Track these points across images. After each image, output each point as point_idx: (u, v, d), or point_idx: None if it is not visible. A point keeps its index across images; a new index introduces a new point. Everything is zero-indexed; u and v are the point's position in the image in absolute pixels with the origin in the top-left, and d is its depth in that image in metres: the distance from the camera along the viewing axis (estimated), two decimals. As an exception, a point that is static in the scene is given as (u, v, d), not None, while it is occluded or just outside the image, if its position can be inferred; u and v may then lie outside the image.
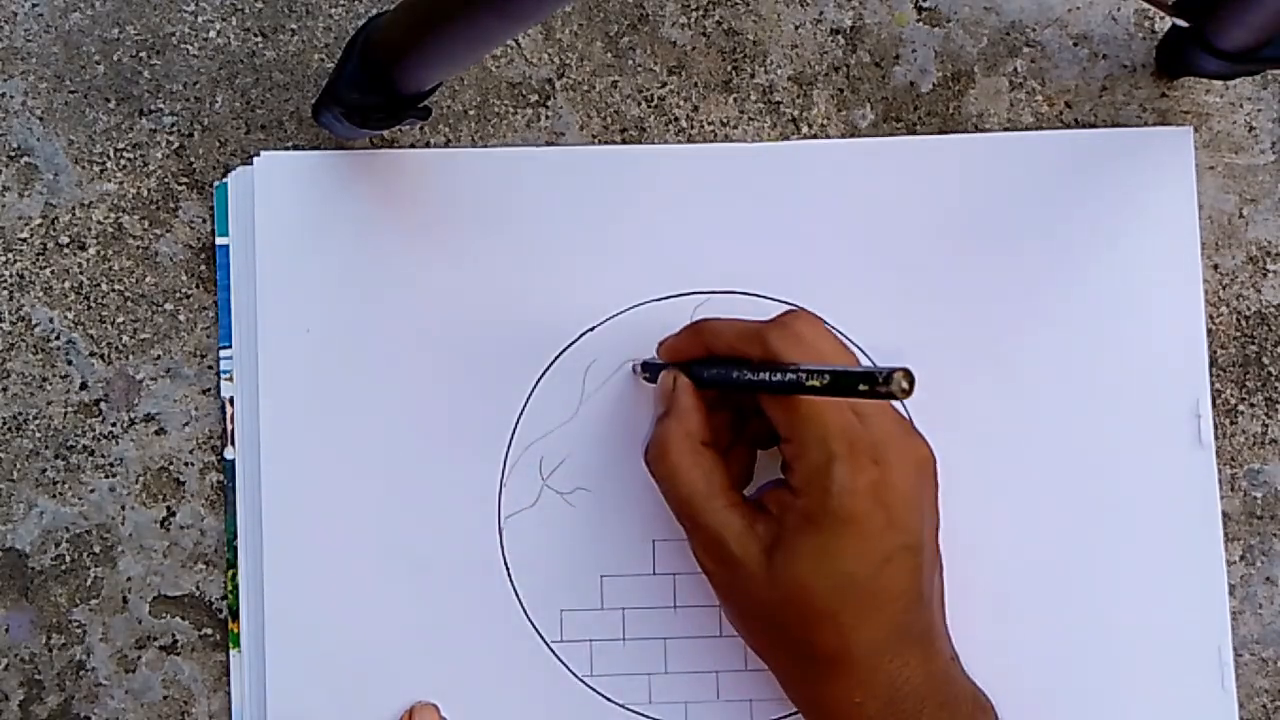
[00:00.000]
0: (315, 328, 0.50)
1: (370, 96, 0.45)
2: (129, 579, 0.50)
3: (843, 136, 0.52)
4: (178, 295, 0.51)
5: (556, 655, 0.50)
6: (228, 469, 0.50)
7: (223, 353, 0.51)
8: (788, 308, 0.49)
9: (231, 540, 0.50)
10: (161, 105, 0.51)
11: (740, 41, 0.52)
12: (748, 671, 0.50)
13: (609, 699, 0.50)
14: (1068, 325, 0.51)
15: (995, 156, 0.51)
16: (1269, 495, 0.52)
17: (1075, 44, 0.52)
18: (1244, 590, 0.51)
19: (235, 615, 0.50)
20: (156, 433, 0.51)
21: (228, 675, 0.50)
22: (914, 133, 0.52)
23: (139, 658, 0.50)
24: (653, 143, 0.52)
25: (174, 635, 0.50)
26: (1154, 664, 0.50)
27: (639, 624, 0.50)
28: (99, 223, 0.51)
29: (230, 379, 0.50)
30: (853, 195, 0.51)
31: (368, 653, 0.49)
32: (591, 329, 0.50)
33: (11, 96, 0.51)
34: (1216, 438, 0.51)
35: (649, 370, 0.49)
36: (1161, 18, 0.52)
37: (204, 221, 0.51)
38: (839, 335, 0.50)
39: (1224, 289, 0.52)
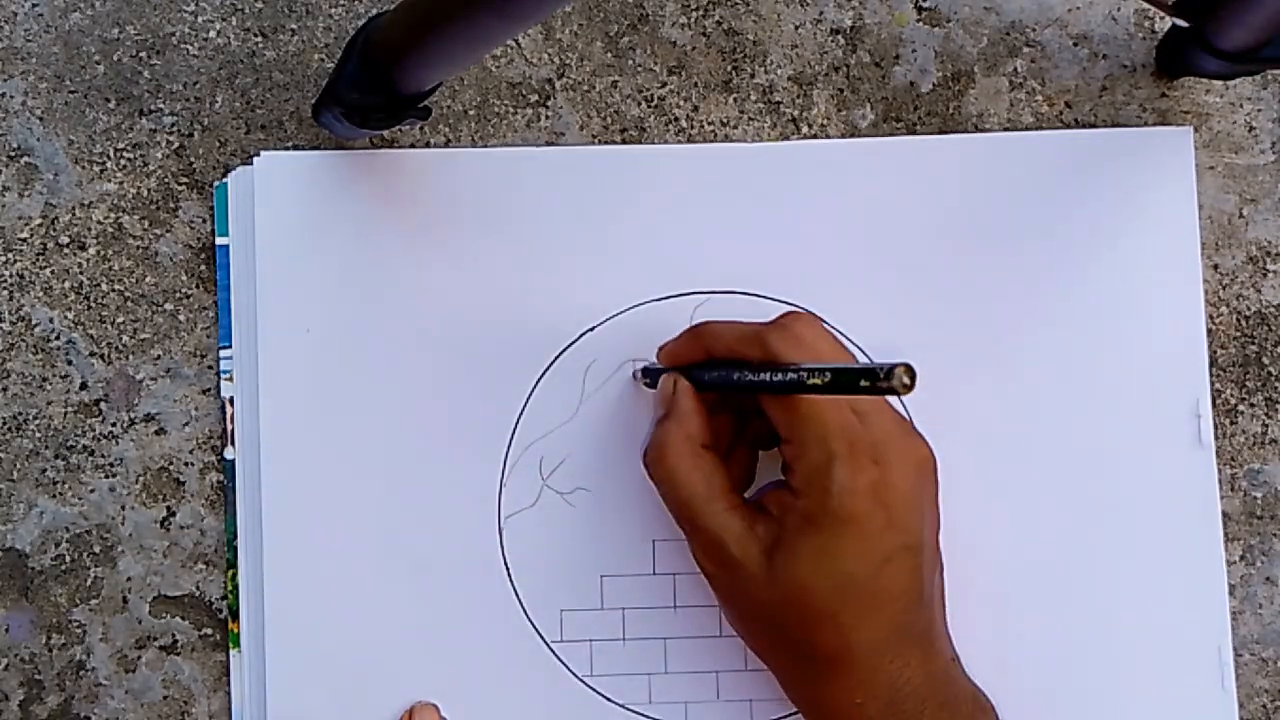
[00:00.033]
0: (315, 328, 0.50)
1: (370, 96, 0.45)
2: (129, 579, 0.50)
3: (843, 136, 0.52)
4: (178, 295, 0.51)
5: (556, 655, 0.50)
6: (228, 469, 0.50)
7: (223, 353, 0.51)
8: (787, 309, 0.49)
9: (231, 540, 0.50)
10: (161, 105, 0.51)
11: (740, 41, 0.52)
12: (748, 671, 0.50)
13: (609, 699, 0.50)
14: (1068, 325, 0.51)
15: (995, 156, 0.51)
16: (1269, 495, 0.52)
17: (1075, 44, 0.52)
18: (1244, 590, 0.51)
19: (235, 615, 0.50)
20: (156, 433, 0.51)
21: (228, 675, 0.50)
22: (914, 133, 0.52)
23: (139, 658, 0.50)
24: (653, 143, 0.52)
25: (174, 635, 0.50)
26: (1154, 664, 0.50)
27: (639, 624, 0.50)
28: (99, 223, 0.51)
29: (230, 379, 0.50)
30: (853, 195, 0.51)
31: (368, 653, 0.49)
32: (591, 329, 0.50)
33: (11, 96, 0.51)
34: (1216, 438, 0.51)
35: (649, 376, 0.49)
36: (1161, 18, 0.52)
37: (204, 221, 0.51)
38: (839, 336, 0.50)
39: (1224, 289, 0.52)
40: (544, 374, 0.50)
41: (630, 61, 0.52)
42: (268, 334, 0.50)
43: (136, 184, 0.51)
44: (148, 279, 0.51)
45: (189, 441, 0.51)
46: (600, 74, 0.52)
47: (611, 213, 0.51)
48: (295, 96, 0.51)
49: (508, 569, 0.50)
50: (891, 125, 0.52)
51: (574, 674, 0.50)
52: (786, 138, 0.52)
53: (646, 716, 0.50)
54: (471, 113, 0.52)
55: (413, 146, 0.51)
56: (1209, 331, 0.51)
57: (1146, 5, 0.51)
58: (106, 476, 0.51)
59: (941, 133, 0.52)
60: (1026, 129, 0.52)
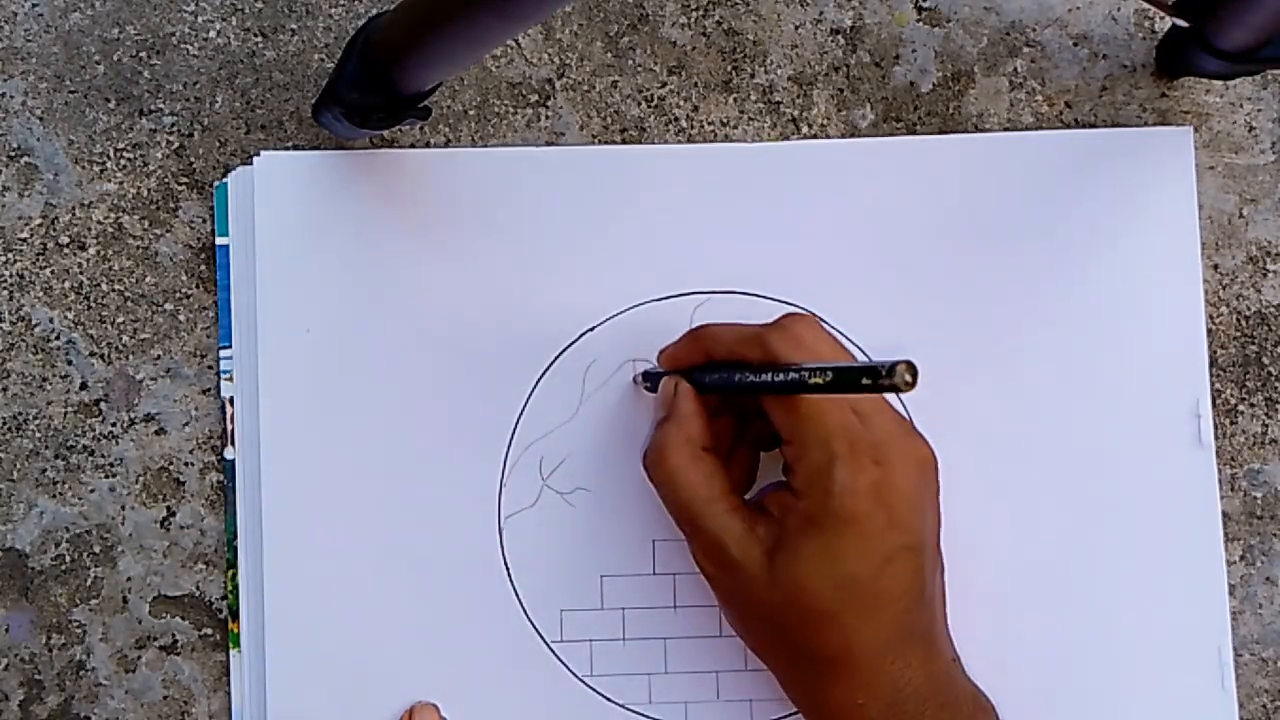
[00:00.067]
0: (315, 328, 0.50)
1: (370, 96, 0.45)
2: (129, 579, 0.50)
3: (843, 136, 0.52)
4: (178, 295, 0.51)
5: (556, 655, 0.50)
6: (228, 469, 0.50)
7: (223, 353, 0.51)
8: (786, 311, 0.49)
9: (231, 540, 0.50)
10: (161, 105, 0.51)
11: (740, 41, 0.52)
12: (748, 671, 0.50)
13: (609, 699, 0.50)
14: (1068, 325, 0.51)
15: (995, 156, 0.51)
16: (1269, 495, 0.52)
17: (1075, 44, 0.52)
18: (1244, 590, 0.51)
19: (235, 615, 0.50)
20: (156, 433, 0.51)
21: (228, 675, 0.50)
22: (914, 133, 0.52)
23: (139, 658, 0.50)
24: (653, 143, 0.52)
25: (174, 635, 0.50)
26: (1154, 664, 0.50)
27: (639, 624, 0.50)
28: (99, 223, 0.51)
29: (230, 379, 0.50)
30: (853, 195, 0.51)
31: (368, 653, 0.49)
32: (591, 329, 0.50)
33: (11, 96, 0.51)
34: (1216, 438, 0.51)
35: (650, 380, 0.49)
36: (1161, 18, 0.52)
37: (204, 221, 0.51)
38: (839, 336, 0.50)
39: (1224, 289, 0.52)
40: (544, 374, 0.50)
41: (630, 61, 0.52)
42: (268, 334, 0.50)
43: (136, 184, 0.51)
44: (148, 279, 0.51)
45: (189, 441, 0.51)
46: (600, 74, 0.52)
47: (611, 213, 0.51)
48: (295, 96, 0.51)
49: (508, 569, 0.50)
50: (891, 125, 0.52)
51: (574, 674, 0.50)
52: (786, 138, 0.52)
53: (646, 716, 0.50)
54: (471, 113, 0.51)
55: (413, 146, 0.51)
56: (1209, 331, 0.51)
57: (1146, 5, 0.51)
58: (106, 476, 0.51)
59: (941, 133, 0.52)
60: (1026, 129, 0.52)
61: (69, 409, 0.51)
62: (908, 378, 0.38)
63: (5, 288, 0.51)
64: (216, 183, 0.51)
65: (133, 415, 0.51)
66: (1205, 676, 0.50)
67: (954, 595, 0.46)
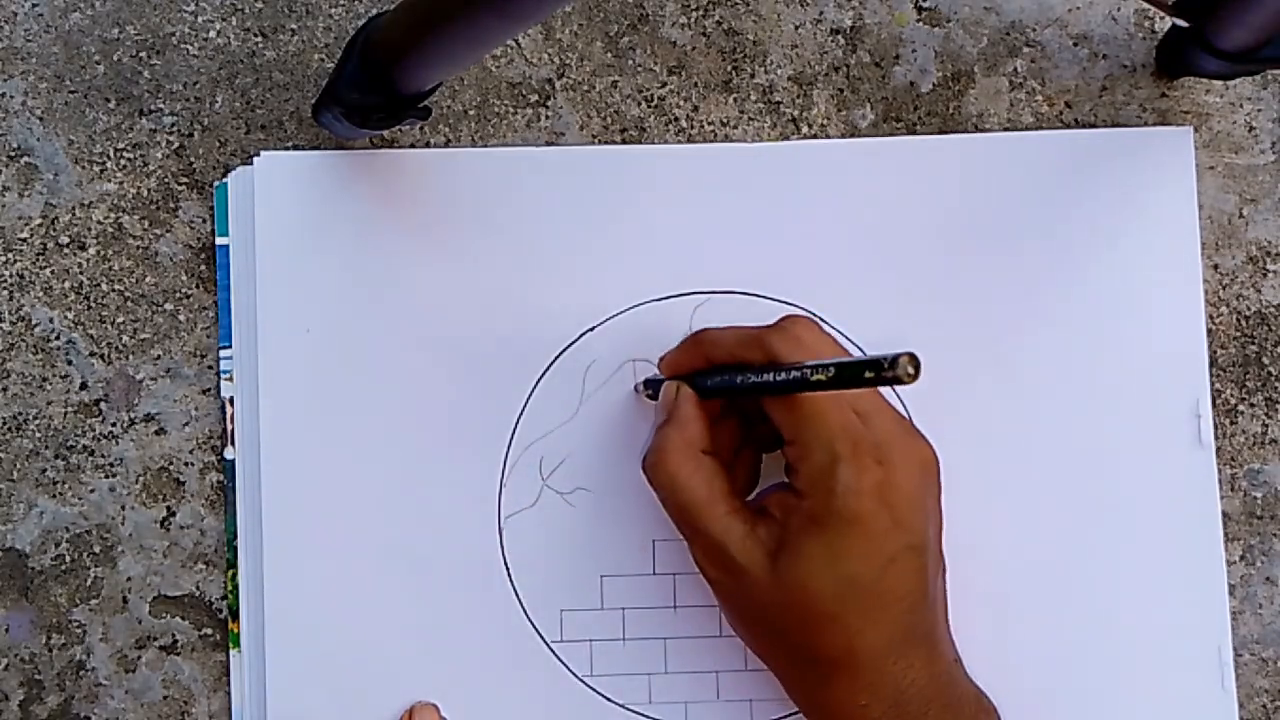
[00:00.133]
0: (315, 328, 0.50)
1: (370, 96, 0.45)
2: (129, 579, 0.50)
3: (843, 136, 0.52)
4: (178, 295, 0.51)
5: (556, 655, 0.50)
6: (228, 469, 0.50)
7: (223, 353, 0.51)
8: (786, 313, 0.49)
9: (231, 540, 0.50)
10: (161, 105, 0.51)
11: (740, 41, 0.52)
12: (748, 671, 0.50)
13: (609, 699, 0.50)
14: (1068, 325, 0.51)
15: (995, 156, 0.51)
16: (1269, 495, 0.52)
17: (1075, 44, 0.52)
18: (1244, 590, 0.51)
19: (235, 615, 0.50)
20: (156, 433, 0.51)
21: (228, 675, 0.50)
22: (914, 133, 0.52)
23: (139, 658, 0.50)
24: (653, 143, 0.52)
25: (174, 635, 0.50)
26: (1154, 664, 0.50)
27: (639, 624, 0.50)
28: (99, 223, 0.51)
29: (230, 379, 0.50)
30: (853, 195, 0.51)
31: (368, 653, 0.49)
32: (591, 329, 0.50)
33: (11, 96, 0.51)
34: (1216, 438, 0.51)
35: (651, 387, 0.49)
36: (1161, 18, 0.52)
37: (204, 221, 0.51)
38: (839, 336, 0.50)
39: (1224, 289, 0.52)
40: (544, 374, 0.50)
41: (630, 61, 0.52)
42: (268, 334, 0.50)
43: (136, 184, 0.51)
44: (148, 279, 0.51)
45: (189, 441, 0.51)
46: (600, 74, 0.52)
47: (611, 213, 0.51)
48: (295, 96, 0.51)
49: (508, 569, 0.50)
50: (891, 125, 0.52)
51: (574, 674, 0.50)
52: (786, 138, 0.52)
53: (646, 716, 0.50)
54: (471, 113, 0.51)
55: (413, 146, 0.51)
56: (1209, 331, 0.51)
57: (1146, 5, 0.51)
58: (106, 476, 0.51)
59: (941, 133, 0.52)
60: (1026, 129, 0.52)
61: (69, 409, 0.51)
62: (910, 369, 0.38)
63: (5, 288, 0.51)
64: (216, 183, 0.51)
65: (133, 415, 0.51)
66: (1205, 676, 0.50)
67: (954, 595, 0.46)
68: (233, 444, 0.50)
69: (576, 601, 0.50)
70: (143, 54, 0.51)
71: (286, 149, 0.51)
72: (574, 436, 0.50)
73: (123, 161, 0.51)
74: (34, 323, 0.51)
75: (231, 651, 0.50)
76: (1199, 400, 0.51)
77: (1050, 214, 0.51)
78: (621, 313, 0.50)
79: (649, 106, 0.52)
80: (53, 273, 0.51)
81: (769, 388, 0.44)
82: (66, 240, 0.51)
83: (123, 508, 0.50)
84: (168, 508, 0.51)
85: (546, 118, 0.52)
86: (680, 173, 0.51)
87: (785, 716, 0.50)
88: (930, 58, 0.52)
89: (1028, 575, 0.50)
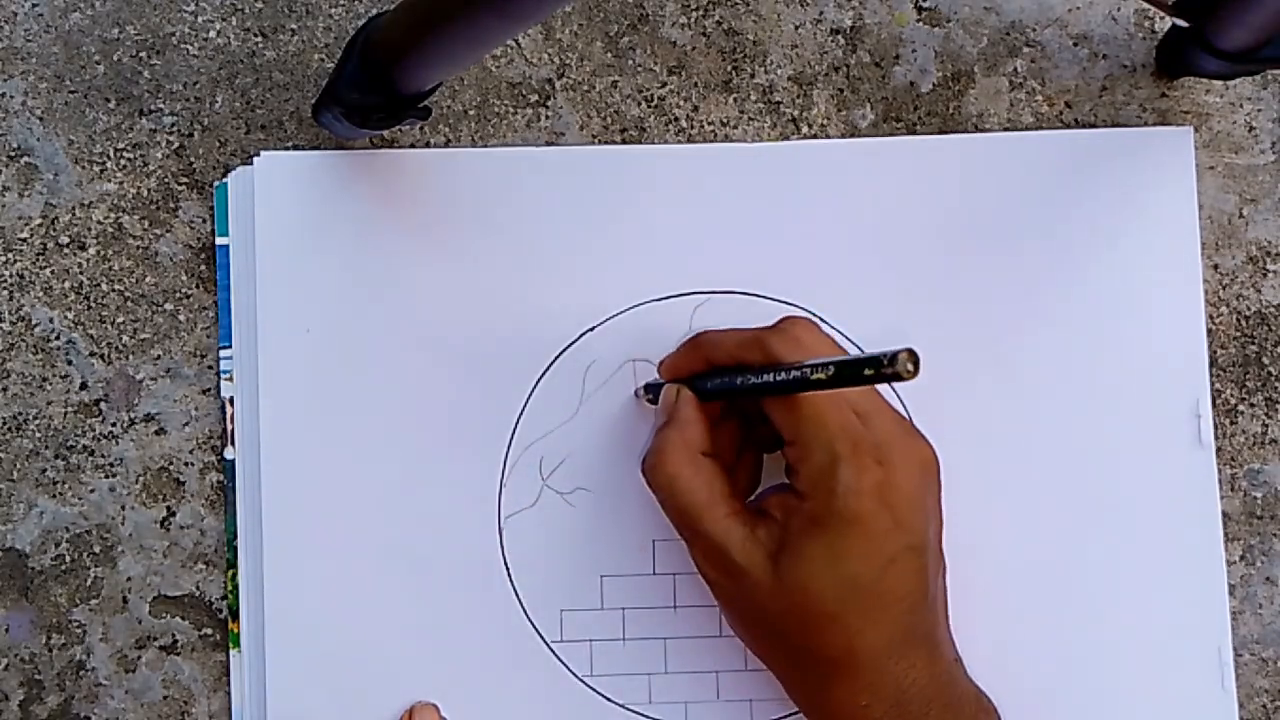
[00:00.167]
0: (315, 328, 0.50)
1: (370, 96, 0.45)
2: (129, 579, 0.50)
3: (843, 136, 0.52)
4: (178, 295, 0.51)
5: (556, 655, 0.50)
6: (228, 469, 0.50)
7: (223, 353, 0.51)
8: (785, 313, 0.49)
9: (231, 540, 0.50)
10: (161, 105, 0.51)
11: (740, 41, 0.52)
12: (748, 671, 0.50)
13: (609, 699, 0.50)
14: (1068, 325, 0.51)
15: (995, 156, 0.51)
16: (1269, 495, 0.52)
17: (1075, 44, 0.52)
18: (1244, 590, 0.51)
19: (235, 615, 0.50)
20: (156, 433, 0.51)
21: (228, 675, 0.50)
22: (914, 133, 0.52)
23: (139, 658, 0.50)
24: (653, 143, 0.52)
25: (174, 635, 0.50)
26: (1154, 664, 0.50)
27: (639, 624, 0.50)
28: (99, 223, 0.51)
29: (230, 379, 0.50)
30: (853, 195, 0.51)
31: (368, 653, 0.49)
32: (591, 329, 0.50)
33: (11, 96, 0.51)
34: (1216, 438, 0.51)
35: (652, 392, 0.49)
36: (1161, 18, 0.52)
37: (204, 221, 0.51)
38: (839, 336, 0.50)
39: (1224, 289, 0.52)
40: (544, 374, 0.50)
41: (630, 61, 0.52)
42: (268, 334, 0.50)
43: (136, 184, 0.51)
44: (148, 279, 0.51)
45: (189, 441, 0.51)
46: (600, 74, 0.52)
47: (611, 213, 0.51)
48: (295, 96, 0.51)
49: (508, 569, 0.50)
50: (891, 125, 0.52)
51: (574, 674, 0.50)
52: (786, 138, 0.52)
53: (646, 716, 0.50)
54: (471, 113, 0.51)
55: (413, 146, 0.51)
56: (1209, 331, 0.51)
57: (1146, 5, 0.51)
58: (106, 476, 0.51)
59: (941, 133, 0.52)
60: (1026, 129, 0.52)
61: (69, 409, 0.51)
62: (910, 366, 0.38)
63: (5, 288, 0.51)
64: (216, 183, 0.51)
65: (133, 415, 0.51)
66: (1205, 676, 0.50)
67: (954, 595, 0.46)
68: (233, 444, 0.50)
69: (576, 601, 0.50)
70: (143, 54, 0.51)
71: (286, 149, 0.51)
72: (574, 436, 0.50)
73: (123, 161, 0.51)
74: (34, 323, 0.51)
75: (231, 651, 0.50)
76: (1199, 400, 0.51)
77: (1050, 214, 0.51)
78: (621, 313, 0.50)
79: (649, 106, 0.52)
80: (53, 273, 0.51)
81: (769, 388, 0.44)
82: (66, 240, 0.51)
83: (123, 508, 0.50)
84: (168, 508, 0.51)
85: (546, 118, 0.52)
86: (680, 173, 0.51)
87: (785, 716, 0.50)
88: (930, 58, 0.52)
89: (1028, 575, 0.50)
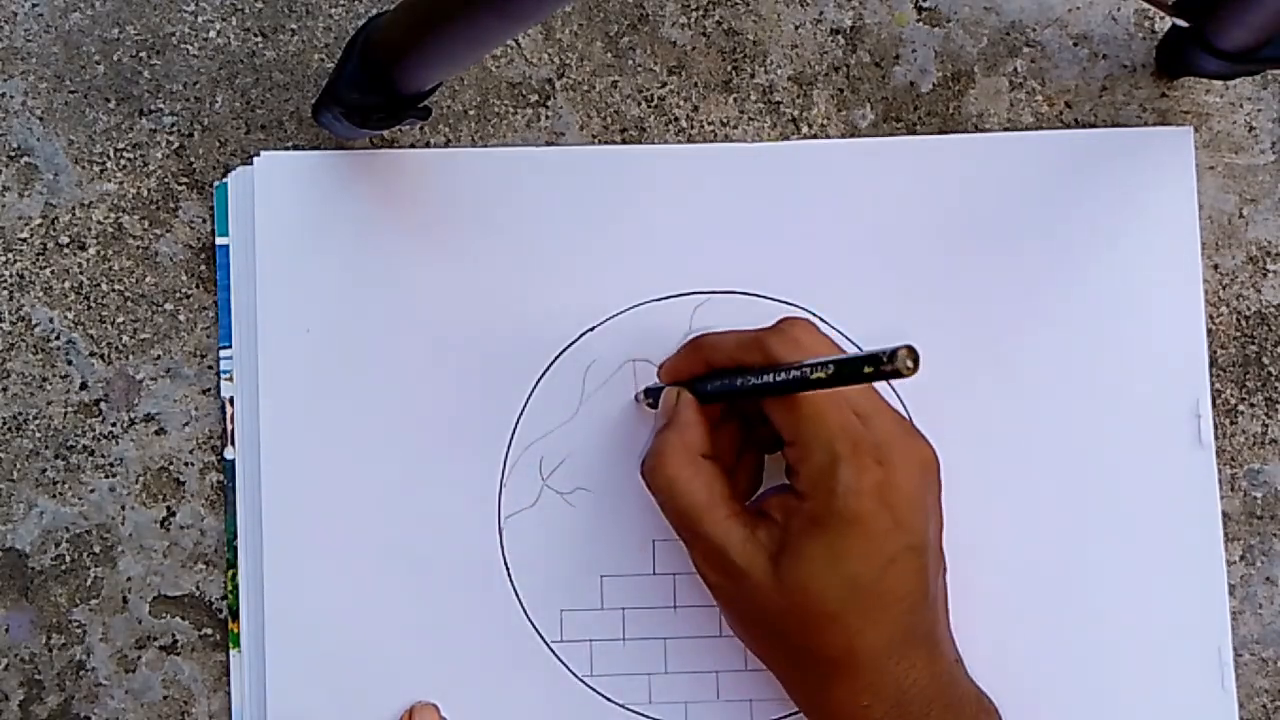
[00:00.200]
0: (315, 328, 0.50)
1: (370, 96, 0.45)
2: (129, 579, 0.50)
3: (843, 136, 0.52)
4: (178, 295, 0.51)
5: (556, 655, 0.50)
6: (228, 469, 0.50)
7: (223, 353, 0.51)
8: (785, 313, 0.49)
9: (231, 540, 0.50)
10: (161, 105, 0.51)
11: (740, 41, 0.52)
12: (748, 671, 0.50)
13: (609, 699, 0.50)
14: (1068, 325, 0.51)
15: (995, 156, 0.51)
16: (1269, 495, 0.52)
17: (1075, 44, 0.52)
18: (1244, 590, 0.51)
19: (235, 615, 0.50)
20: (156, 433, 0.51)
21: (228, 675, 0.50)
22: (914, 133, 0.52)
23: (139, 658, 0.50)
24: (653, 143, 0.52)
25: (174, 635, 0.50)
26: (1154, 664, 0.50)
27: (639, 624, 0.50)
28: (99, 223, 0.51)
29: (230, 379, 0.50)
30: (853, 195, 0.51)
31: (368, 653, 0.49)
32: (591, 329, 0.50)
33: (11, 96, 0.51)
34: (1216, 438, 0.51)
35: (652, 396, 0.49)
36: (1161, 18, 0.52)
37: (204, 221, 0.51)
38: (838, 336, 0.50)
39: (1224, 289, 0.52)
40: (544, 374, 0.50)
41: (630, 61, 0.52)
42: (268, 334, 0.50)
43: (136, 184, 0.51)
44: (148, 279, 0.51)
45: (189, 441, 0.51)
46: (600, 74, 0.52)
47: (611, 213, 0.51)
48: (295, 96, 0.51)
49: (508, 569, 0.50)
50: (891, 125, 0.52)
51: (574, 674, 0.50)
52: (786, 138, 0.52)
53: (646, 716, 0.50)
54: (471, 113, 0.51)
55: (413, 146, 0.51)
56: (1209, 331, 0.51)
57: (1146, 5, 0.51)
58: (106, 476, 0.51)
59: (941, 133, 0.52)
60: (1026, 129, 0.52)
61: (69, 409, 0.51)
62: (909, 362, 0.38)
63: (5, 288, 0.51)
64: (216, 183, 0.51)
65: (133, 415, 0.51)
66: (1205, 676, 0.50)
67: (955, 595, 0.46)
68: (233, 444, 0.50)
69: (576, 601, 0.50)
70: (143, 54, 0.51)
71: (286, 149, 0.51)
72: (574, 436, 0.50)
73: (123, 161, 0.51)
74: (34, 323, 0.51)
75: (231, 651, 0.50)
76: (1199, 400, 0.51)
77: (1050, 214, 0.51)
78: (621, 313, 0.50)
79: (649, 106, 0.52)
80: (53, 273, 0.51)
81: (769, 389, 0.44)
82: (66, 240, 0.51)
83: (123, 508, 0.50)
84: (168, 508, 0.51)
85: (546, 118, 0.52)
86: (680, 173, 0.51)
87: (785, 717, 0.50)
88: (930, 58, 0.52)
89: (1028, 575, 0.50)
